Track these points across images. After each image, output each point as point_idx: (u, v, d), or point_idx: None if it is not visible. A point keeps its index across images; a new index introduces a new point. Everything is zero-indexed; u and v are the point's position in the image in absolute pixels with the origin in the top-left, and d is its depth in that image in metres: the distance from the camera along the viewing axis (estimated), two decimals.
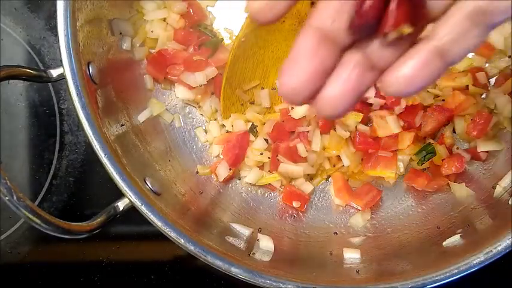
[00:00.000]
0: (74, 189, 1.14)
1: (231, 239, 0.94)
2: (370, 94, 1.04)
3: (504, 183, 0.96)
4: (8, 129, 1.13)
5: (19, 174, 1.13)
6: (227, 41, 1.11)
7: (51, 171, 1.14)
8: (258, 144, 1.06)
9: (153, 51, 1.07)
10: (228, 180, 1.07)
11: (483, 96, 1.06)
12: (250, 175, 1.07)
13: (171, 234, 0.82)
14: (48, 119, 1.14)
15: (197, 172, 1.07)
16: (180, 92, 1.08)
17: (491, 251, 0.80)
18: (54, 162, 1.14)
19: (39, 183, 1.13)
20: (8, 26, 1.15)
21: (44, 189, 1.13)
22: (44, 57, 1.15)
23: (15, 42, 1.15)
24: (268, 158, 1.05)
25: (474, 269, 0.80)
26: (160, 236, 0.84)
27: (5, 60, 1.13)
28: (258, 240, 0.96)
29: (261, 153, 1.05)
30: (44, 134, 1.15)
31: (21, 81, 1.09)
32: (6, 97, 1.14)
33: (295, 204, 1.04)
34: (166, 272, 1.12)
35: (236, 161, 1.05)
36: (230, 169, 1.05)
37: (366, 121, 1.06)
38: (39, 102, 1.15)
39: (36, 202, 1.13)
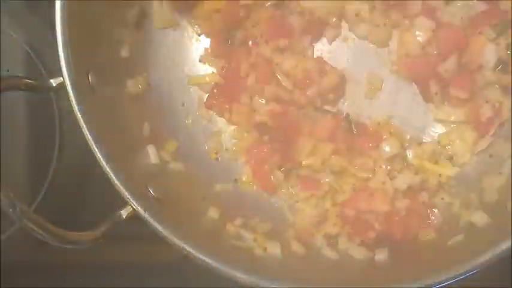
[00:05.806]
0: (73, 191, 1.14)
1: (233, 242, 0.94)
2: None
3: None
4: (8, 130, 1.13)
5: (18, 175, 1.13)
6: None
7: (50, 173, 1.13)
8: None
9: None
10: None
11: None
12: None
13: (175, 241, 0.84)
14: (48, 120, 1.14)
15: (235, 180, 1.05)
16: None
17: (491, 251, 0.79)
18: (54, 163, 1.13)
19: (38, 184, 1.13)
20: (8, 28, 1.14)
21: (43, 191, 1.12)
22: (44, 58, 1.15)
23: (15, 43, 1.14)
24: None
25: (475, 269, 0.80)
26: (160, 236, 0.84)
27: (5, 61, 1.12)
28: (260, 242, 0.96)
29: None
30: (44, 135, 1.14)
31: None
32: (6, 97, 1.13)
33: None
34: (166, 272, 1.12)
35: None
36: None
37: None
38: (39, 103, 1.14)
39: (35, 204, 1.12)
